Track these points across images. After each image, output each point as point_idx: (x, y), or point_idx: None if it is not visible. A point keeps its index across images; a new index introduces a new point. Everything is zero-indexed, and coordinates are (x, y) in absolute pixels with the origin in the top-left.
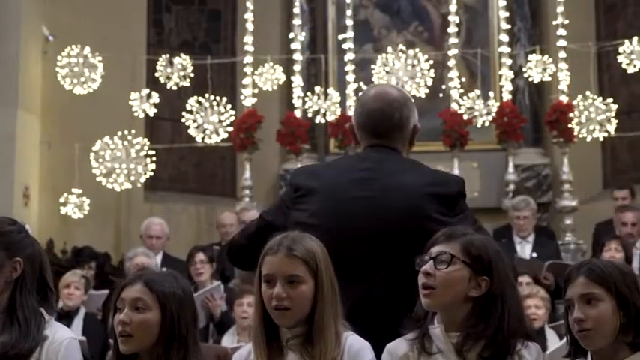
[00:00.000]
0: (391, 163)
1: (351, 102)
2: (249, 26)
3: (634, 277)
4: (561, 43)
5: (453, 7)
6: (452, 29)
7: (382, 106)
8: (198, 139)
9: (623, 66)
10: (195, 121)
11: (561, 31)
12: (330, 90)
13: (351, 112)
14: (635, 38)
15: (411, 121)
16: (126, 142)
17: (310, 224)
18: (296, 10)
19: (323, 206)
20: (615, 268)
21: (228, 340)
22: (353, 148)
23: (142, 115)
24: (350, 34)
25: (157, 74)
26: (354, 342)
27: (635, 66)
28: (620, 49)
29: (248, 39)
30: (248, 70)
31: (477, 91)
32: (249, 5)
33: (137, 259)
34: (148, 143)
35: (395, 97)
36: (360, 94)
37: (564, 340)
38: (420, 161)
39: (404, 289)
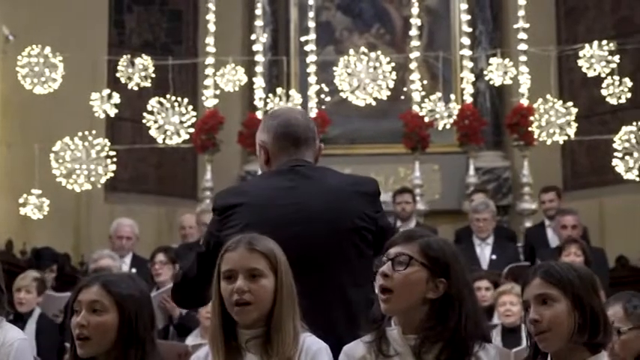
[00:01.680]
0: (312, 170)
1: (312, 104)
2: (211, 27)
3: (591, 278)
4: (522, 46)
5: (414, 10)
6: (413, 32)
7: (298, 116)
8: (159, 140)
9: (584, 70)
10: (156, 121)
11: (522, 35)
12: (292, 92)
13: (313, 114)
14: (596, 42)
15: (317, 138)
16: (86, 143)
17: None
18: (258, 12)
19: (254, 217)
20: (572, 269)
21: (191, 343)
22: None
23: (102, 116)
24: (312, 35)
25: (118, 74)
26: (313, 343)
27: (595, 70)
28: (581, 53)
29: (210, 40)
30: (209, 71)
31: (439, 94)
32: (211, 6)
33: (102, 261)
34: (109, 144)
35: (308, 117)
36: (268, 116)
37: None
38: (378, 163)
39: (345, 287)
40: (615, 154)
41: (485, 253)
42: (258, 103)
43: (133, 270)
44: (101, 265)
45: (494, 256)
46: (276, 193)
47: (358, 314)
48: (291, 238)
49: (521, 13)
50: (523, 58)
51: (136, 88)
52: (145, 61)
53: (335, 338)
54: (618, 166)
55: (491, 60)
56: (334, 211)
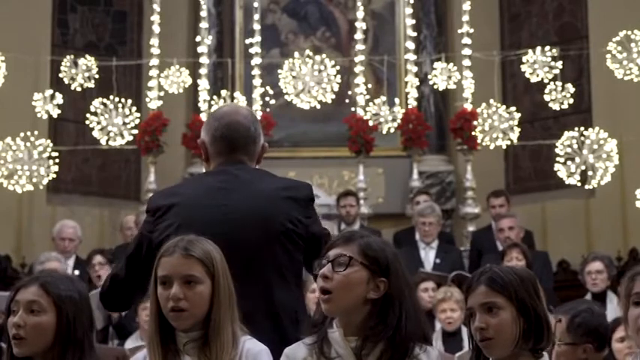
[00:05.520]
0: (246, 172)
1: (257, 106)
2: (156, 28)
3: (534, 282)
4: (466, 51)
5: (360, 14)
6: (358, 36)
7: (240, 119)
8: (103, 142)
9: (527, 75)
10: (99, 123)
11: (466, 40)
12: (237, 94)
13: (258, 116)
14: (539, 48)
15: (262, 138)
16: (28, 144)
17: (174, 236)
18: (203, 14)
19: (184, 218)
20: (515, 275)
21: (131, 345)
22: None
23: (45, 117)
24: (257, 38)
25: (61, 75)
26: (253, 346)
27: (538, 75)
28: (524, 59)
29: (154, 41)
30: (154, 72)
31: (383, 98)
32: (156, 7)
33: (49, 264)
34: (51, 145)
35: (248, 113)
36: (212, 115)
37: None
38: (322, 166)
39: (272, 288)
40: (557, 159)
41: (429, 256)
42: (203, 105)
43: (76, 272)
44: (48, 267)
45: (438, 260)
46: (206, 193)
47: (285, 316)
48: (218, 238)
49: (465, 18)
50: (467, 62)
51: (79, 89)
52: (88, 61)
53: (260, 340)
54: (560, 171)
55: (436, 64)
56: (263, 214)
